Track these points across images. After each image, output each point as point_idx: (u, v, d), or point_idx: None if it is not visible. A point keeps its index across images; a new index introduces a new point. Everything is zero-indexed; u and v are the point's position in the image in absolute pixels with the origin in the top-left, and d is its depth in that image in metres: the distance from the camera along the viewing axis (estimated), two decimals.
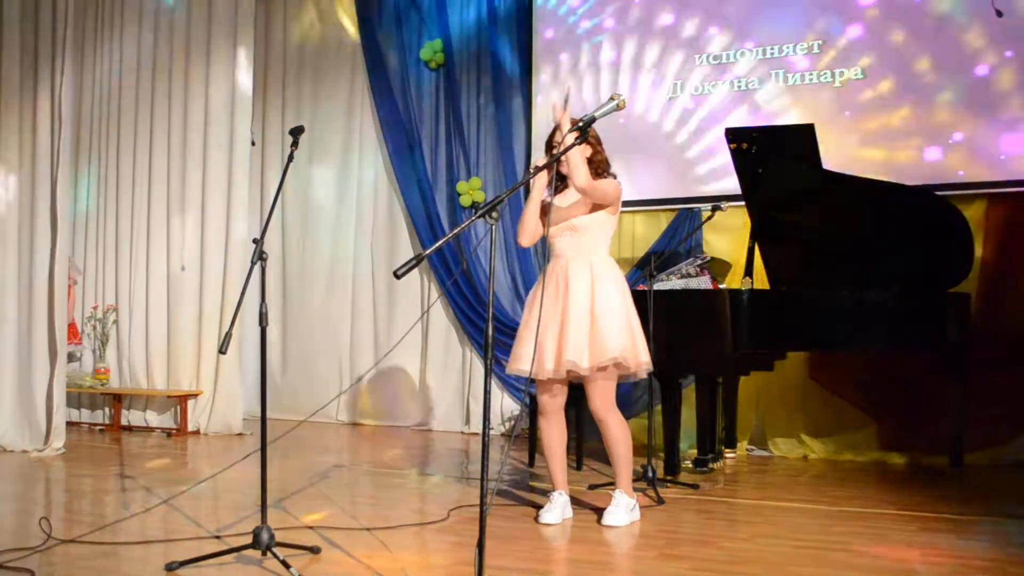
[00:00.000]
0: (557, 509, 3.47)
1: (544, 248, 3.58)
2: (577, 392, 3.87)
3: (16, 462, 4.87)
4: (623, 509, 3.44)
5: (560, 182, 3.55)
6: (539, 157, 3.54)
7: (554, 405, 3.51)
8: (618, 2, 6.06)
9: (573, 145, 3.10)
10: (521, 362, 3.40)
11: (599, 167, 3.51)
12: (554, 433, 3.54)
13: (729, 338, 4.41)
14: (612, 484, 3.89)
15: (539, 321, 3.26)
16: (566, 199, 3.52)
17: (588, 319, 3.35)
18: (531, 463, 4.83)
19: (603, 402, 3.41)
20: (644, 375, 3.47)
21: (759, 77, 5.61)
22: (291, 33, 7.27)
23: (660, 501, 3.79)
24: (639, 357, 3.40)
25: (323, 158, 7.07)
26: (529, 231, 3.51)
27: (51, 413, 5.18)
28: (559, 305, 3.39)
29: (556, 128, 3.50)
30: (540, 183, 3.45)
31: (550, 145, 3.50)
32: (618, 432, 3.44)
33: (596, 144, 3.51)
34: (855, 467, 4.92)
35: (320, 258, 7.08)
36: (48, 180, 5.30)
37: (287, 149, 3.84)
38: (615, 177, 3.56)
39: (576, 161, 3.34)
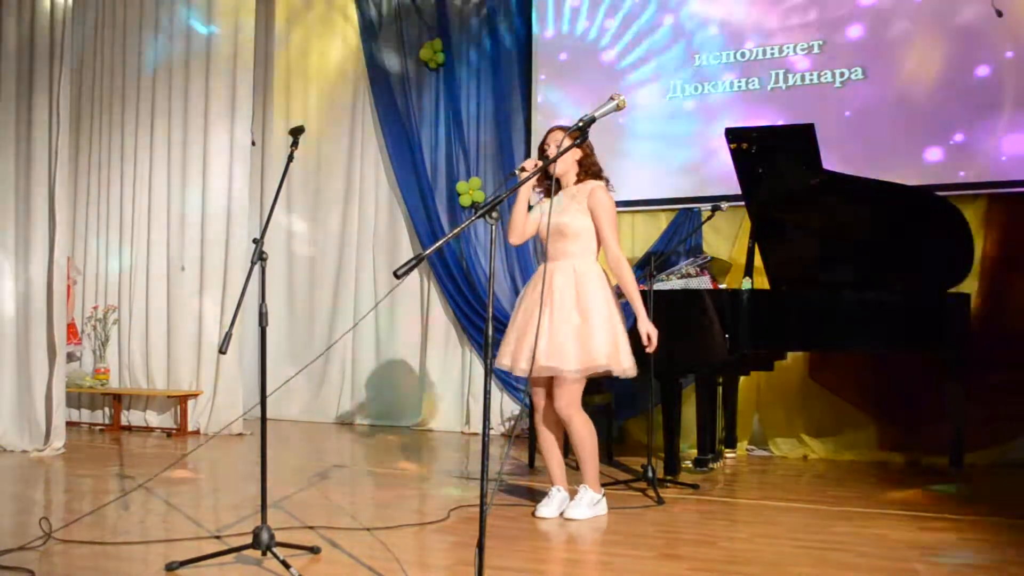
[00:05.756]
0: (554, 504, 3.52)
1: (543, 247, 3.60)
2: None
3: (16, 462, 4.87)
4: (585, 503, 3.49)
5: (559, 186, 3.57)
6: (529, 159, 3.58)
7: (544, 402, 3.56)
8: (618, 2, 6.05)
9: (572, 146, 3.11)
10: (501, 357, 3.51)
11: (587, 169, 3.56)
12: (547, 430, 3.59)
13: (729, 338, 4.41)
14: (614, 483, 3.89)
15: (525, 320, 3.42)
16: (559, 201, 3.54)
17: (573, 323, 3.40)
18: (531, 463, 4.83)
19: (568, 402, 3.45)
20: (630, 375, 3.49)
21: (759, 77, 5.61)
22: (292, 32, 7.27)
23: (660, 501, 3.79)
24: (622, 363, 3.43)
25: (324, 158, 7.07)
26: (517, 229, 3.58)
27: (51, 413, 5.18)
28: (539, 308, 3.43)
29: (549, 131, 3.55)
30: (526, 183, 3.47)
31: (542, 149, 3.55)
32: (583, 431, 3.49)
33: (586, 148, 3.56)
34: (855, 467, 4.92)
35: (320, 258, 7.08)
36: (46, 180, 5.30)
37: (287, 149, 3.84)
38: (607, 181, 3.59)
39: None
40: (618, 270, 3.48)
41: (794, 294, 4.80)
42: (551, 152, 3.49)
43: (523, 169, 3.43)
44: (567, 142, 3.33)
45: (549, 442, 3.60)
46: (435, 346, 6.60)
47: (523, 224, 3.57)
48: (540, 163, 3.45)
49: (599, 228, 3.49)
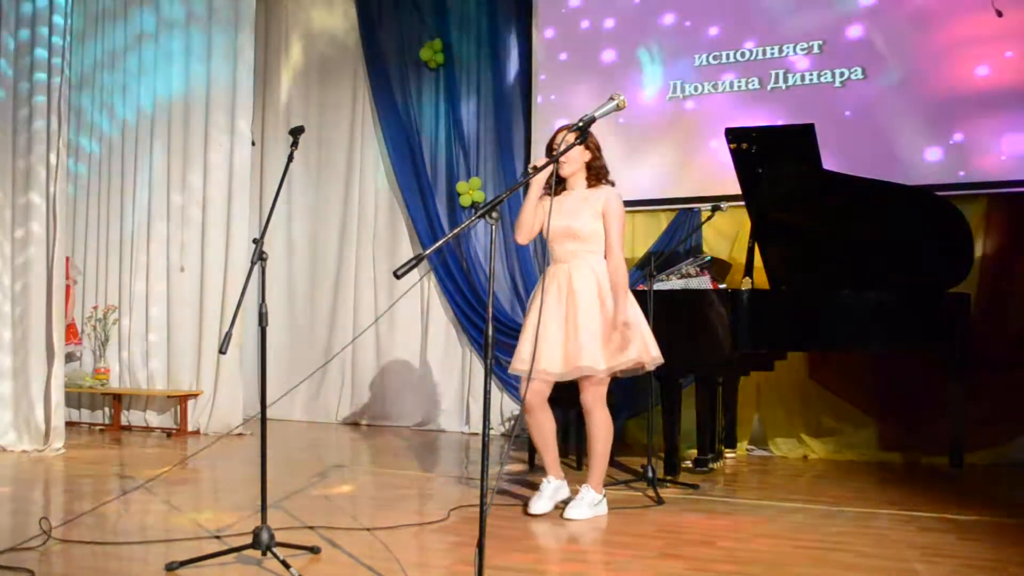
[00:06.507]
0: (545, 496, 3.52)
1: (543, 248, 3.59)
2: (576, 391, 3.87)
3: (16, 462, 4.87)
4: (586, 504, 3.49)
5: (560, 184, 3.57)
6: (539, 157, 3.57)
7: (539, 399, 3.55)
8: (618, 2, 6.05)
9: (573, 145, 3.12)
10: (523, 362, 3.46)
11: (598, 172, 3.55)
12: (544, 425, 3.58)
13: (729, 338, 4.41)
14: (614, 483, 3.87)
15: (539, 323, 3.37)
16: (568, 203, 3.53)
17: (600, 324, 3.41)
18: (531, 463, 4.82)
19: (594, 396, 3.49)
20: (660, 362, 3.53)
21: (759, 77, 5.61)
22: (292, 33, 7.27)
23: (660, 501, 3.79)
24: (651, 353, 3.50)
25: (324, 158, 7.07)
26: (526, 229, 3.56)
27: (50, 413, 5.18)
28: (563, 309, 3.45)
29: (557, 131, 3.54)
30: (538, 181, 3.47)
31: (551, 148, 3.53)
32: (602, 427, 3.51)
33: (595, 150, 3.57)
34: (855, 467, 4.92)
35: (320, 258, 7.08)
36: (45, 180, 5.29)
37: (287, 149, 3.84)
38: (613, 184, 3.59)
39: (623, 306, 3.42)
40: (616, 268, 3.48)
41: (794, 294, 4.80)
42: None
43: (535, 168, 3.43)
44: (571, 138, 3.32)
45: (544, 437, 3.59)
46: (435, 346, 6.61)
47: (532, 222, 3.54)
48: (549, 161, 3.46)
49: (609, 233, 3.51)
